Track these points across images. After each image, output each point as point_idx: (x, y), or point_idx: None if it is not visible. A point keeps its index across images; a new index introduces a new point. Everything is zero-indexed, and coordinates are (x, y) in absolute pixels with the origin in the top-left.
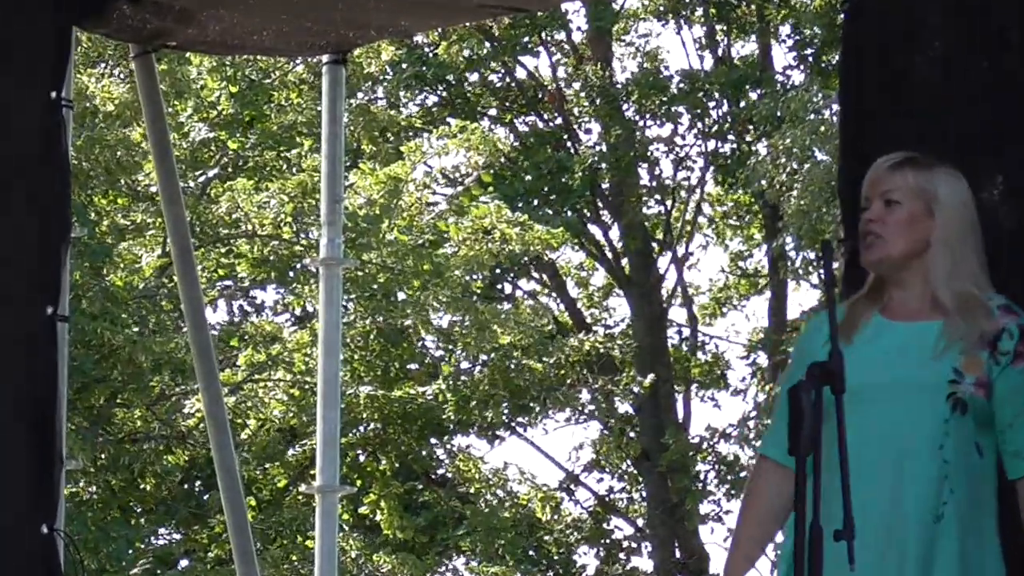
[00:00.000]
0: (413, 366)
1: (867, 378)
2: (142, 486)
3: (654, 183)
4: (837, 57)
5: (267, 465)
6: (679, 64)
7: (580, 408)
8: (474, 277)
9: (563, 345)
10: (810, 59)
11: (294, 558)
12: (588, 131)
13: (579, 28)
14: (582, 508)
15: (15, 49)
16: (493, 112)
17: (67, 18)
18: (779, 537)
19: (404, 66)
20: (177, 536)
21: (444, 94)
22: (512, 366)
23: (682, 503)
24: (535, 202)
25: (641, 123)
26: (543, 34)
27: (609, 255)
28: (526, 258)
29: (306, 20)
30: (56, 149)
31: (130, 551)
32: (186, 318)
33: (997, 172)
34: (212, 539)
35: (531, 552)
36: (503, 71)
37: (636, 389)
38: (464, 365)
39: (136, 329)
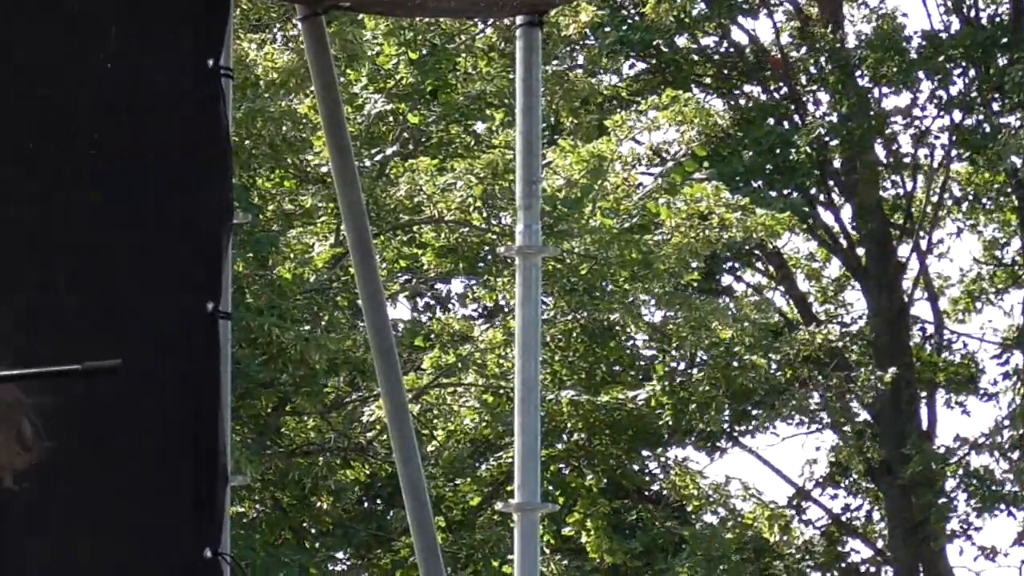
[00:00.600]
0: (620, 368)
1: None
2: (316, 504)
3: (891, 160)
4: None
5: (457, 481)
6: (919, 25)
7: (811, 414)
8: (689, 267)
9: (791, 340)
10: None
11: None
12: (816, 102)
13: None
14: (814, 528)
15: (165, 13)
16: (708, 81)
17: None
18: None
19: (607, 29)
20: (356, 561)
21: (652, 61)
22: (734, 364)
23: (927, 521)
24: (756, 183)
25: (876, 92)
26: None
27: (843, 242)
28: (747, 246)
29: None
30: (214, 124)
31: None
32: (364, 315)
33: None
34: (396, 564)
35: None
36: (719, 34)
37: (876, 384)
38: (679, 366)
39: (307, 328)
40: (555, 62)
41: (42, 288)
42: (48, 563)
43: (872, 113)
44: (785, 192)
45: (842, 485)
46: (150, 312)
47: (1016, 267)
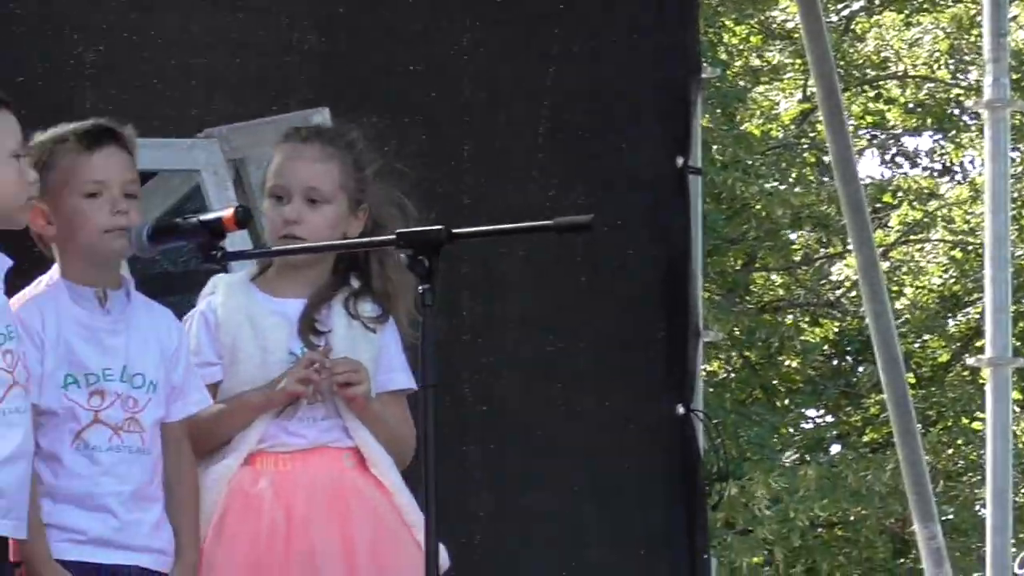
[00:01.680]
0: None
1: None
2: (785, 362)
3: None
4: None
5: (926, 337)
6: None
7: None
8: None
9: None
10: None
11: (959, 442)
12: None
13: None
14: None
15: None
16: None
17: None
18: None
19: None
20: (829, 419)
21: None
22: None
23: None
24: None
25: None
26: None
27: None
28: None
29: None
30: None
31: (775, 437)
32: (834, 170)
33: None
34: (866, 421)
35: None
36: None
37: None
38: None
39: (775, 184)
40: None
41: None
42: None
43: None
44: None
45: None
46: (621, 167)
47: None
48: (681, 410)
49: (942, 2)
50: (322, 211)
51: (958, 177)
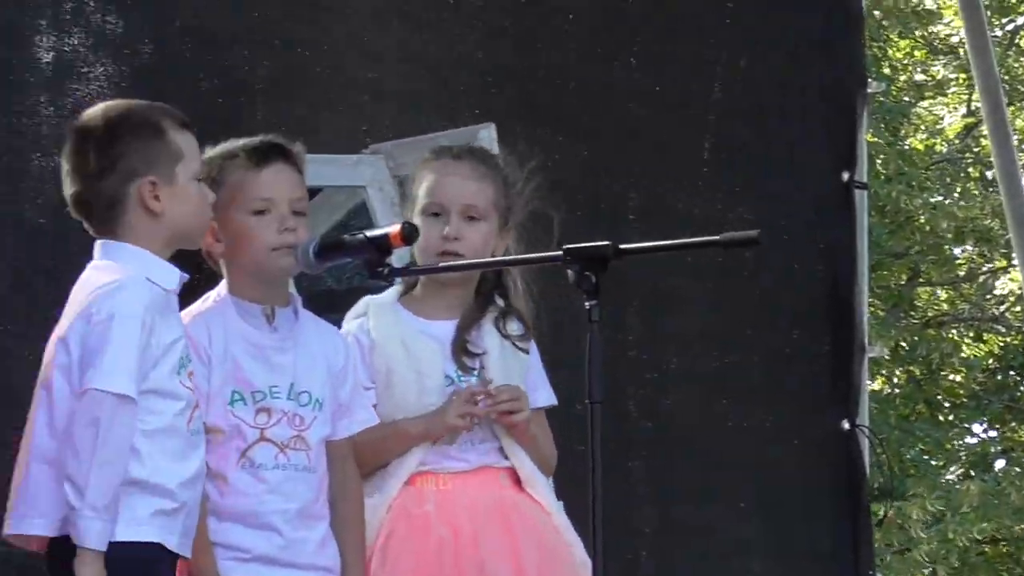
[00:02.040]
0: None
1: None
2: (949, 376)
3: None
4: None
5: None
6: None
7: None
8: None
9: None
10: None
11: None
12: None
13: None
14: None
15: None
16: None
17: None
18: None
19: None
20: (992, 434)
21: None
22: None
23: None
24: None
25: None
26: None
27: None
28: None
29: None
30: None
31: (938, 454)
32: (999, 184)
33: None
34: None
35: None
36: None
37: None
38: None
39: (940, 198)
40: None
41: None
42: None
43: None
44: None
45: None
46: (787, 182)
47: None
48: (846, 425)
49: None
50: (478, 228)
51: None
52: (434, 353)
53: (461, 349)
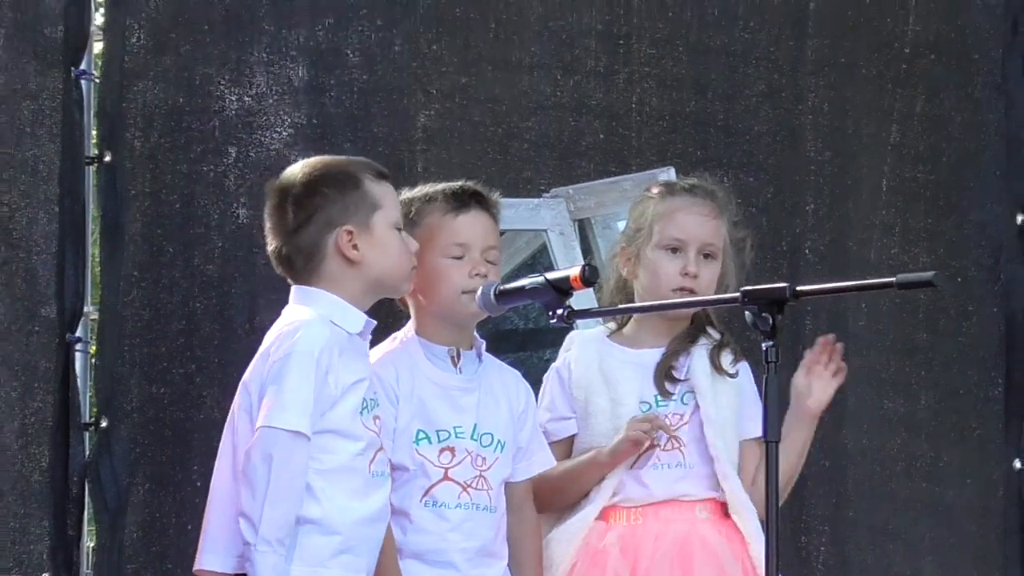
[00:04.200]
0: None
1: None
2: None
3: None
4: None
5: None
6: None
7: None
8: None
9: None
10: None
11: None
12: None
13: None
14: None
15: None
16: None
17: None
18: None
19: None
20: None
21: None
22: None
23: None
24: None
25: None
26: None
27: None
28: None
29: None
30: None
31: None
32: None
33: None
34: None
35: None
36: None
37: None
38: None
39: None
40: None
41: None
42: (863, 457)
43: None
44: None
45: None
46: (963, 223)
47: None
48: (1019, 465)
49: None
50: (712, 267)
51: None
52: (631, 381)
53: (664, 373)
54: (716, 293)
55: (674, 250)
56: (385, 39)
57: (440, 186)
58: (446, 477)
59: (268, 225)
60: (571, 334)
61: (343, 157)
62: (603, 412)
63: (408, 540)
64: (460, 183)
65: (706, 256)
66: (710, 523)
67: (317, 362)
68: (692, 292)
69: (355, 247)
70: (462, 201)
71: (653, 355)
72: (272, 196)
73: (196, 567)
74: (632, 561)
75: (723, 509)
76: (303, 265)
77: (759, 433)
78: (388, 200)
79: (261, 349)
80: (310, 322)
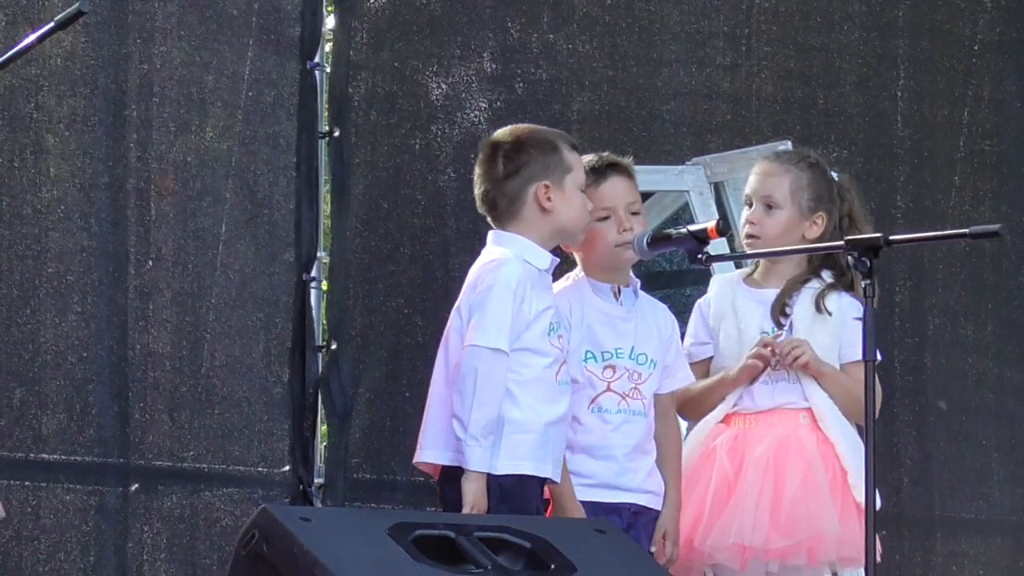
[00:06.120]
0: None
1: None
2: None
3: None
4: None
5: None
6: None
7: None
8: None
9: None
10: None
11: None
12: None
13: None
14: None
15: None
16: None
17: None
18: None
19: None
20: None
21: None
22: None
23: None
24: None
25: None
26: None
27: None
28: None
29: None
30: None
31: None
32: None
33: None
34: None
35: None
36: None
37: None
38: None
39: None
40: None
41: None
42: (939, 375)
43: None
44: None
45: None
46: (1020, 184)
47: None
48: None
49: None
50: (775, 216)
51: None
52: (754, 313)
53: (778, 309)
54: (819, 239)
55: (749, 204)
56: (550, 40)
57: (584, 158)
58: (608, 389)
59: (478, 172)
60: (714, 276)
61: (544, 127)
62: (731, 338)
63: (578, 439)
64: (598, 155)
65: (768, 207)
66: (809, 428)
67: (514, 293)
68: (755, 238)
69: (549, 199)
70: (601, 172)
71: (772, 294)
72: (485, 149)
73: (416, 459)
74: (740, 457)
75: None
76: (506, 207)
77: (854, 358)
78: (577, 165)
79: (468, 281)
80: (508, 260)
